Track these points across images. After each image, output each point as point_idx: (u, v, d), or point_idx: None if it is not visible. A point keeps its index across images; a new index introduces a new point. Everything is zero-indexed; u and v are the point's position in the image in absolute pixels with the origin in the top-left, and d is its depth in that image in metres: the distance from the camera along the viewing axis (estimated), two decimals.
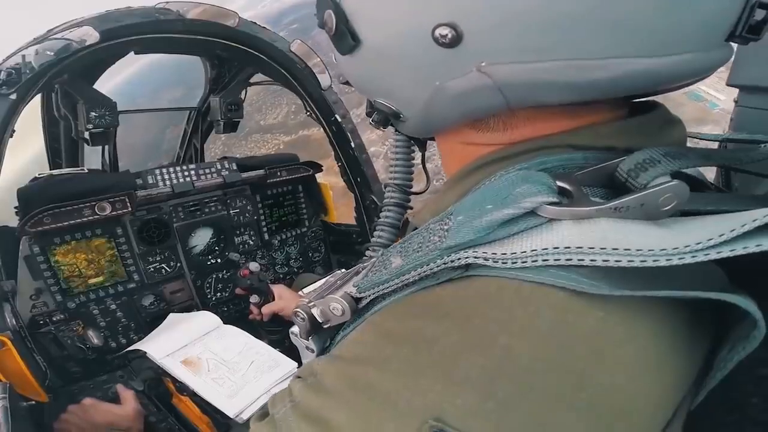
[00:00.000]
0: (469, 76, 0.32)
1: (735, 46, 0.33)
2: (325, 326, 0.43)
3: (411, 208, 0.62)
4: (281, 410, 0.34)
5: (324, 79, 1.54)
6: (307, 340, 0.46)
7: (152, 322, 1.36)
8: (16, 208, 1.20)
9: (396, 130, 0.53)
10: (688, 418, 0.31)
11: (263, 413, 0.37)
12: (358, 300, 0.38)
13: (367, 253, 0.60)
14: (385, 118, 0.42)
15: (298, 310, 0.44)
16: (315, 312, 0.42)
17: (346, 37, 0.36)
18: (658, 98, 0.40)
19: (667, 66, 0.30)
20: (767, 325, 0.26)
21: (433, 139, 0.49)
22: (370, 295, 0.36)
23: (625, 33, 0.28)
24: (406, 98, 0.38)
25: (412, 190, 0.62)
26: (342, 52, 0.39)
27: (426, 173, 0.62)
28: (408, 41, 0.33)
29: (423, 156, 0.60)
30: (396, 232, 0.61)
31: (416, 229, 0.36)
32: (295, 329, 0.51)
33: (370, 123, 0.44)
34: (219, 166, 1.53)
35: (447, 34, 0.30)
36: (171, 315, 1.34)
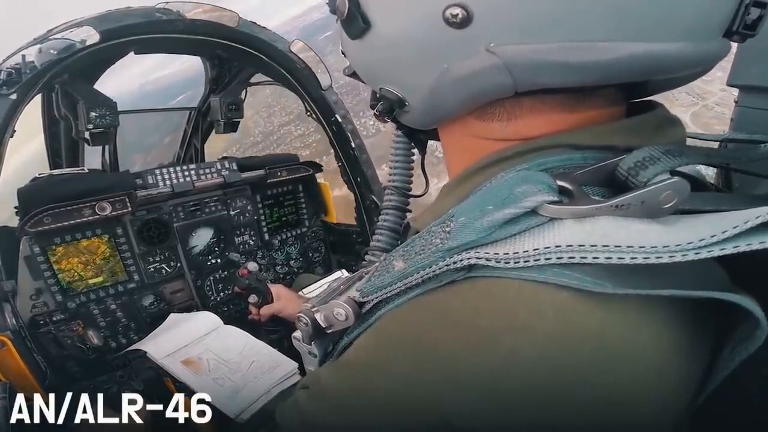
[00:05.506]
0: (478, 56, 0.32)
1: (734, 45, 0.33)
2: (329, 331, 0.43)
3: (410, 211, 0.61)
4: (291, 423, 0.35)
5: (324, 79, 1.54)
6: (310, 345, 0.46)
7: (152, 322, 1.36)
8: (16, 208, 1.20)
9: (398, 127, 0.53)
10: (691, 418, 0.31)
11: (273, 425, 0.38)
12: (361, 305, 0.38)
13: (366, 257, 0.59)
14: (389, 107, 0.42)
15: (301, 315, 0.44)
16: (318, 317, 0.42)
17: (357, 21, 0.37)
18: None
19: (664, 52, 0.30)
20: None
21: (435, 138, 0.48)
22: (373, 300, 0.36)
23: (625, 17, 0.29)
24: (413, 83, 0.38)
25: (411, 193, 0.62)
26: (352, 37, 0.39)
27: (425, 176, 0.62)
28: (419, 22, 0.34)
29: (423, 159, 0.60)
30: (395, 235, 0.61)
31: (418, 232, 0.36)
32: (297, 334, 0.51)
33: (374, 114, 0.44)
34: (219, 166, 1.53)
35: (458, 14, 0.31)
36: (171, 315, 1.34)
